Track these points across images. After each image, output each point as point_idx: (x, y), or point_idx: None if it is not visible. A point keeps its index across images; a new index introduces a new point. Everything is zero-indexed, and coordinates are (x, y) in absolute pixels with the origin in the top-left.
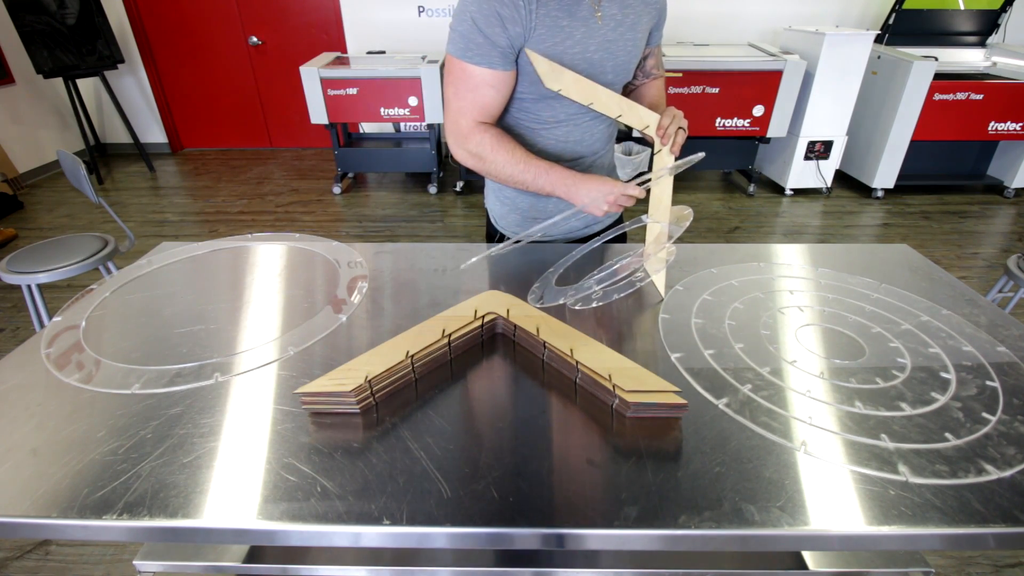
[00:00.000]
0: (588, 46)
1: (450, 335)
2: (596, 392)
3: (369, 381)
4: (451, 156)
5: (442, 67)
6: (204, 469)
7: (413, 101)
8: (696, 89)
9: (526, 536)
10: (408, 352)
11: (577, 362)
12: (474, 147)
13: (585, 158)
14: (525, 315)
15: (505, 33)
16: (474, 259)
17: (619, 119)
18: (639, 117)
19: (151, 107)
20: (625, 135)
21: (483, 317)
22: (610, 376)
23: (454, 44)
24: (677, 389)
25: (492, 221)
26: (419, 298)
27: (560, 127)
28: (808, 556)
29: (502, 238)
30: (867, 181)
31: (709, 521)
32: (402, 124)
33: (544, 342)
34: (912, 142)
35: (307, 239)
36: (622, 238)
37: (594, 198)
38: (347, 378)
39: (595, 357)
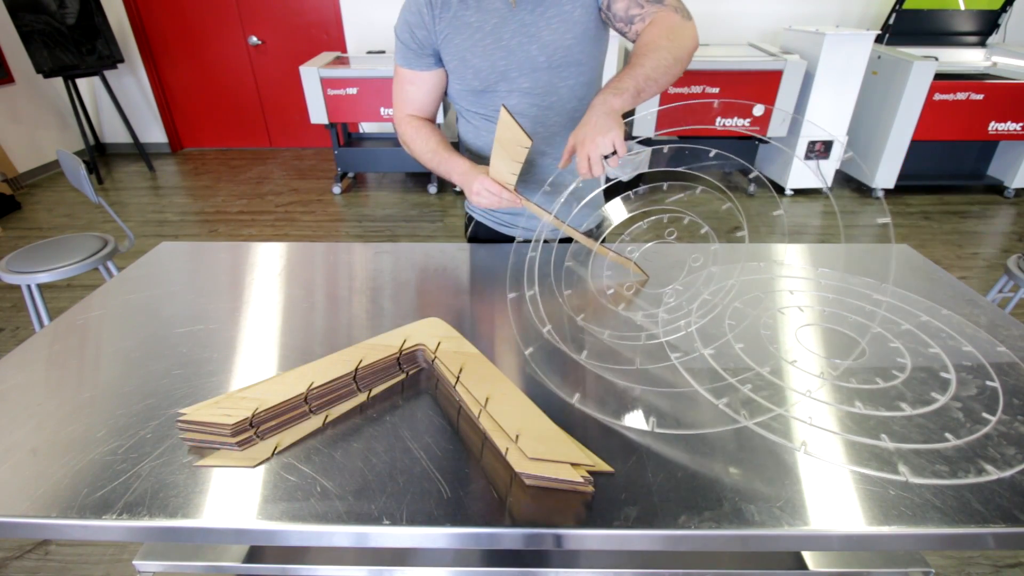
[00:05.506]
0: (502, 35)
1: (357, 368)
2: None
3: (254, 416)
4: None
5: None
6: (204, 469)
7: None
8: (696, 89)
9: (526, 536)
10: (312, 384)
11: (480, 416)
12: (401, 136)
13: (546, 154)
14: (454, 351)
15: (414, 38)
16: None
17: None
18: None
19: (151, 107)
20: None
21: (401, 349)
22: (516, 437)
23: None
24: (591, 464)
25: (468, 210)
26: (419, 298)
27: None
28: (808, 556)
29: (474, 226)
30: (867, 181)
31: (709, 521)
32: None
33: (455, 387)
34: (912, 142)
35: (307, 239)
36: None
37: (477, 191)
38: (236, 407)
39: (507, 411)
